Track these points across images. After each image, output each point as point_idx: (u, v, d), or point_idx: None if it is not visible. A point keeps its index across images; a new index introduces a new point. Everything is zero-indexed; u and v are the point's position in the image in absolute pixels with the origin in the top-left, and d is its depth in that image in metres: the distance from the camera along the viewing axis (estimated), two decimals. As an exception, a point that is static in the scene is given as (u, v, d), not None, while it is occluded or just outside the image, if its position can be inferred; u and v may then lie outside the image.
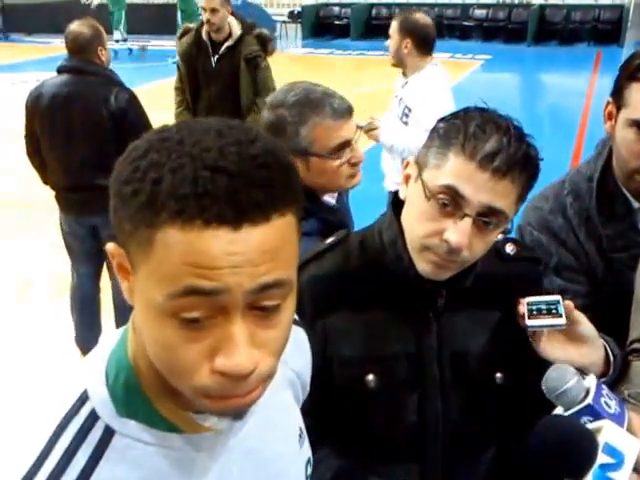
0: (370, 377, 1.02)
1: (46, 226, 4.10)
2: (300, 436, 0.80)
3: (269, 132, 1.39)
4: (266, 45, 3.76)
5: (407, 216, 1.00)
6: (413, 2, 13.98)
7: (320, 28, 15.27)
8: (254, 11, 11.39)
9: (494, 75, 10.95)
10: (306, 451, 0.81)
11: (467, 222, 0.91)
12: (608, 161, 1.28)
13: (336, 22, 15.13)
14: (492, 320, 1.06)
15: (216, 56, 3.71)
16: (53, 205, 3.02)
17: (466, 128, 0.92)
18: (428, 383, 1.03)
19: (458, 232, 0.91)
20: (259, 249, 0.52)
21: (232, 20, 3.70)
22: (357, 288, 1.04)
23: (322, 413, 1.02)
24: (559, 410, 0.90)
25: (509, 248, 1.11)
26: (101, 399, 0.61)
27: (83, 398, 0.62)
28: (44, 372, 2.98)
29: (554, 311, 0.97)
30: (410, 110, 2.98)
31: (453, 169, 0.92)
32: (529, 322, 0.98)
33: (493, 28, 14.00)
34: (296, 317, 0.74)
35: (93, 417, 0.61)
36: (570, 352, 1.00)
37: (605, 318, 1.06)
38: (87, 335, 3.06)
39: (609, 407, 0.87)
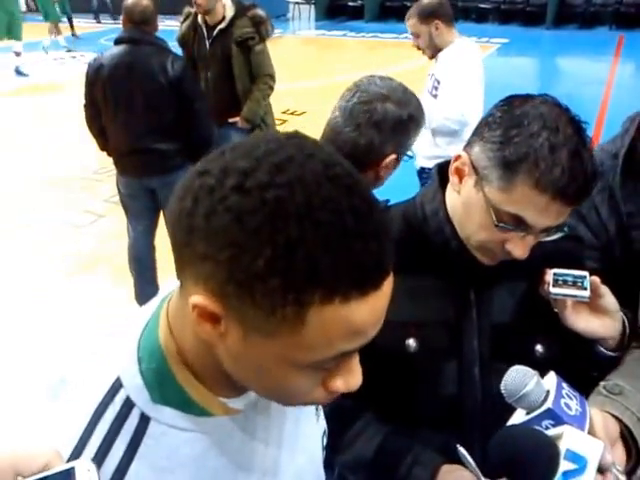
0: (410, 341, 1.04)
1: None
2: (317, 409, 0.84)
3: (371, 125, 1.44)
4: (260, 27, 3.49)
5: (462, 214, 1.01)
6: (429, -17, 13.63)
7: (333, 10, 15.02)
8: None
9: (511, 60, 10.63)
10: (322, 423, 0.86)
11: (531, 239, 0.94)
12: (636, 137, 1.24)
13: (350, 3, 14.85)
14: (531, 294, 1.06)
15: (209, 40, 3.53)
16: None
17: (534, 151, 0.89)
18: (467, 353, 1.05)
19: (522, 247, 0.94)
20: (388, 297, 0.56)
21: (227, 1, 3.50)
22: (400, 256, 1.03)
23: (366, 377, 0.99)
24: (521, 413, 0.89)
25: None
26: (135, 386, 0.61)
27: (117, 385, 0.61)
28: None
29: (579, 284, 1.00)
30: (439, 82, 2.95)
31: (522, 199, 0.91)
32: (552, 289, 1.00)
33: (510, 10, 13.61)
34: None
35: (129, 405, 0.61)
36: (593, 323, 1.02)
37: (619, 297, 1.05)
38: (147, 291, 3.22)
39: (569, 409, 0.87)
